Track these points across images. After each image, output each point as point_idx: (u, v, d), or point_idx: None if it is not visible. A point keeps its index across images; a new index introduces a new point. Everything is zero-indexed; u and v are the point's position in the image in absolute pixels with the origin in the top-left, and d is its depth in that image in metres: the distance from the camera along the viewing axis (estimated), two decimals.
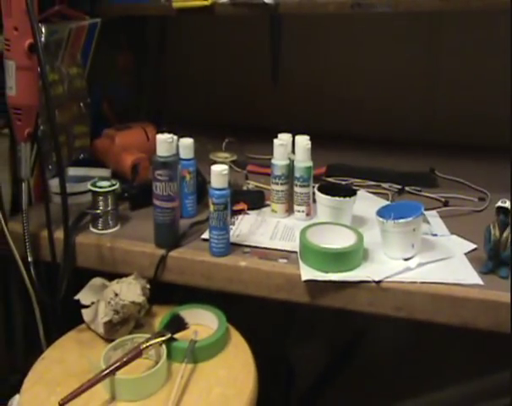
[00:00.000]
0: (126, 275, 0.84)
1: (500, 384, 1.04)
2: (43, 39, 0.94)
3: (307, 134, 0.94)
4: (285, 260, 0.82)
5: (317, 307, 0.79)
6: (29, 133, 0.87)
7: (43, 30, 0.94)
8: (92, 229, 0.92)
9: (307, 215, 0.94)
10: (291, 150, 0.95)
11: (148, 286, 0.83)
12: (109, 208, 0.91)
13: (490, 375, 1.09)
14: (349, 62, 1.38)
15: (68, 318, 0.87)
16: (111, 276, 0.86)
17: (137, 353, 0.73)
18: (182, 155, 0.93)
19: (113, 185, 0.92)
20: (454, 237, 0.87)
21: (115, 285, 0.81)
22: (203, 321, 0.83)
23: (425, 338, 1.14)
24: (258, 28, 1.41)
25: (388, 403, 1.16)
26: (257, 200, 0.99)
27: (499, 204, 0.76)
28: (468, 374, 1.12)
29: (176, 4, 1.08)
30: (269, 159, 0.95)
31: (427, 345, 1.19)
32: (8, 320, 0.94)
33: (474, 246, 0.84)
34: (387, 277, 0.76)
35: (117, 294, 0.79)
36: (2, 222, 0.87)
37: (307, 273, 0.78)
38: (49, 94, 0.82)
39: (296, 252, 0.83)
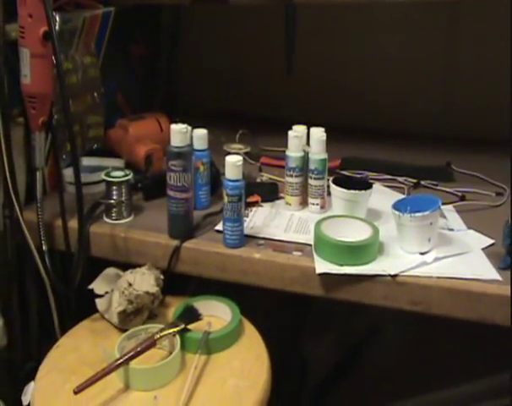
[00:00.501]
0: (139, 265, 0.84)
1: (508, 383, 1.03)
2: (57, 27, 0.94)
3: (322, 127, 0.93)
4: (299, 253, 0.81)
5: (331, 301, 0.78)
6: (44, 122, 0.86)
7: (57, 18, 0.94)
8: (106, 219, 0.92)
9: (322, 208, 0.93)
10: (306, 142, 0.94)
11: (162, 276, 0.83)
12: (123, 198, 0.91)
13: (501, 373, 1.07)
14: (364, 53, 1.36)
15: (81, 307, 0.88)
16: (125, 266, 0.86)
17: (151, 343, 0.73)
18: (196, 146, 0.93)
19: (127, 175, 0.91)
20: (472, 232, 0.86)
21: (129, 275, 0.81)
22: (216, 313, 0.83)
23: (434, 337, 1.13)
24: (273, 18, 1.40)
25: (395, 400, 1.15)
26: (271, 193, 0.98)
27: None
28: (478, 373, 1.10)
29: None
30: (283, 151, 0.94)
31: (436, 344, 1.18)
32: (23, 308, 0.95)
33: (492, 241, 0.82)
34: (403, 272, 0.75)
35: (130, 284, 0.79)
36: (17, 210, 0.88)
37: (322, 266, 0.77)
38: (63, 82, 0.82)
39: (310, 245, 0.82)
